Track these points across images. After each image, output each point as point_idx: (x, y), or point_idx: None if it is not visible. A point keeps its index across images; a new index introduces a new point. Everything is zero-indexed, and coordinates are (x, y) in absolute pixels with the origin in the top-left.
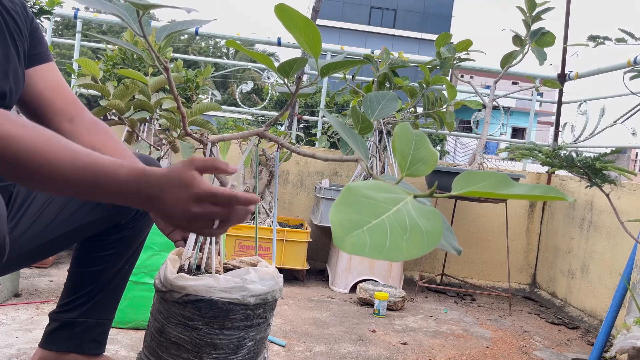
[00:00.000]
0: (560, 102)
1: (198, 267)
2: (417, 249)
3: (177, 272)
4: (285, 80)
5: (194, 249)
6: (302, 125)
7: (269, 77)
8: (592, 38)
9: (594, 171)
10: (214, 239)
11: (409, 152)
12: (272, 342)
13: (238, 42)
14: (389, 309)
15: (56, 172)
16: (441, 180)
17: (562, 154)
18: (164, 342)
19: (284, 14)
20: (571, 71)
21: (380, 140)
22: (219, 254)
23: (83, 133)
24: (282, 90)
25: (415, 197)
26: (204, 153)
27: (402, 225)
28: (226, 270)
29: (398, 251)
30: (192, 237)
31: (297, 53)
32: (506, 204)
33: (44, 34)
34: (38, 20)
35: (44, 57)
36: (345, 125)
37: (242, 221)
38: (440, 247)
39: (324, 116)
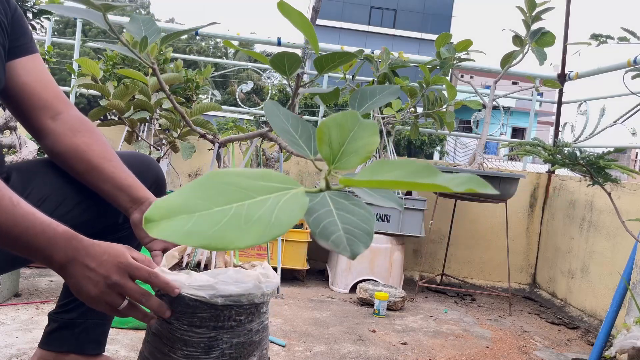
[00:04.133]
0: (560, 102)
1: (199, 264)
2: (246, 239)
3: (170, 268)
4: (286, 80)
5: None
6: None
7: (269, 78)
8: (595, 37)
9: (597, 169)
10: None
11: (343, 143)
12: (272, 342)
13: (237, 42)
14: (389, 309)
15: None
16: None
17: (565, 151)
18: (150, 332)
19: (284, 11)
20: (571, 71)
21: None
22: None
23: (67, 134)
24: (320, 92)
25: (306, 192)
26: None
27: (250, 214)
28: None
29: (219, 239)
30: None
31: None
32: (506, 204)
33: (39, 31)
34: (38, 20)
35: (27, 49)
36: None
37: (155, 313)
38: (332, 248)
39: (324, 116)
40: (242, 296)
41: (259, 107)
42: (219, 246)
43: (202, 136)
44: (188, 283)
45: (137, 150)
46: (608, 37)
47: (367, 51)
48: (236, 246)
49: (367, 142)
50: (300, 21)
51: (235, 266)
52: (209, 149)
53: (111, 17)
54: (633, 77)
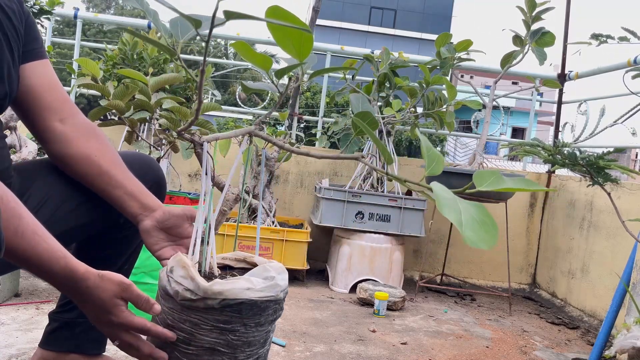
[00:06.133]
0: (560, 102)
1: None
2: (492, 238)
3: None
4: (274, 78)
5: (193, 253)
6: (302, 125)
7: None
8: (595, 36)
9: (597, 169)
10: (210, 238)
11: (426, 155)
12: (272, 342)
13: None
14: (389, 308)
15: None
16: (440, 179)
17: (565, 151)
18: (195, 350)
19: (277, 16)
20: (571, 71)
21: (380, 140)
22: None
23: (79, 137)
24: (257, 87)
25: None
26: (197, 153)
27: (473, 219)
28: (221, 268)
29: (486, 241)
30: (194, 241)
31: None
32: (506, 204)
33: (40, 31)
34: (38, 20)
35: (38, 54)
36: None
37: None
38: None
39: (324, 116)
40: (288, 286)
41: (259, 106)
42: (489, 246)
43: (179, 134)
44: (254, 287)
45: (137, 150)
46: (608, 37)
47: (367, 51)
48: (493, 245)
49: (437, 154)
50: (298, 34)
51: (238, 259)
52: (190, 147)
53: (111, 17)
54: (633, 77)
